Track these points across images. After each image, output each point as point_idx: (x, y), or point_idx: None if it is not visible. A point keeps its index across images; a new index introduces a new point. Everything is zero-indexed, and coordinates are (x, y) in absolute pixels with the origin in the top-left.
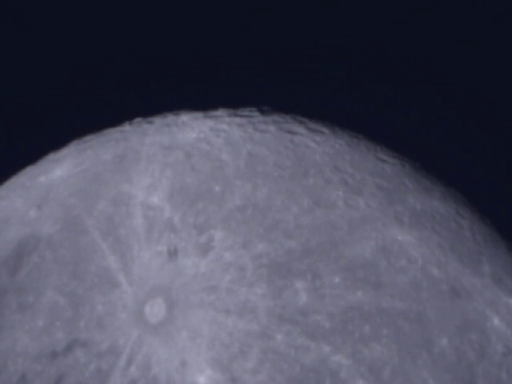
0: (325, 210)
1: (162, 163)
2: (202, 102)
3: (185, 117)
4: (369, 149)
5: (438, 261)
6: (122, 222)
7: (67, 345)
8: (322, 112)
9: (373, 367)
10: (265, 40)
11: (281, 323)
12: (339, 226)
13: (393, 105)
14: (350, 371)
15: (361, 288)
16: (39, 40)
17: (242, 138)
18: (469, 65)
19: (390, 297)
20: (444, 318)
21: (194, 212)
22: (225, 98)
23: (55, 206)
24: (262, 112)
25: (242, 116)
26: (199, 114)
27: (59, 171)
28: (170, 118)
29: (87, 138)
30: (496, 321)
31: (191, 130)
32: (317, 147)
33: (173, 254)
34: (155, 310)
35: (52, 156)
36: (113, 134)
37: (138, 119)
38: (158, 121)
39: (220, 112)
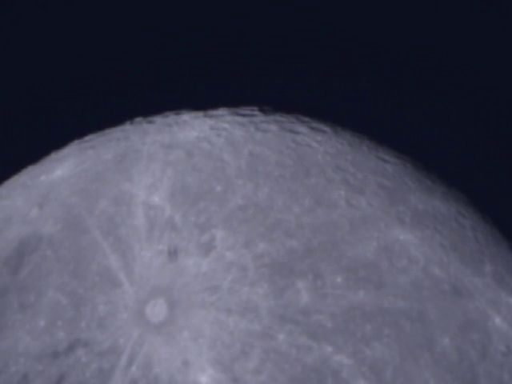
0: (326, 209)
1: (163, 162)
2: (202, 101)
3: (186, 116)
4: (370, 148)
5: (440, 260)
6: (123, 222)
7: (68, 344)
8: (323, 111)
9: (374, 367)
10: (266, 39)
11: (282, 323)
12: (341, 225)
13: (394, 104)
14: (351, 371)
15: (362, 288)
16: (40, 39)
17: (243, 137)
18: (471, 65)
19: (392, 296)
20: (446, 317)
21: (196, 211)
22: (226, 98)
23: (56, 206)
24: (264, 111)
25: (243, 115)
26: (200, 114)
27: (60, 171)
28: (171, 117)
29: (88, 137)
30: (498, 320)
31: (192, 129)
32: (318, 147)
33: (173, 254)
34: (156, 310)
35: (53, 155)
36: (114, 133)
37: (138, 118)
38: (158, 120)
39: (221, 111)
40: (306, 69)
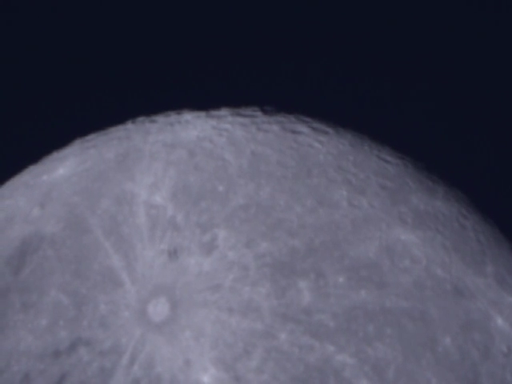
0: (328, 209)
1: (165, 162)
2: (204, 101)
3: (188, 116)
4: (372, 149)
5: (442, 261)
6: (125, 221)
7: (70, 344)
8: (325, 112)
9: (377, 366)
10: (268, 39)
11: (284, 322)
12: (343, 225)
13: (396, 105)
14: (353, 370)
15: (364, 287)
16: (42, 39)
17: (244, 137)
18: (473, 65)
19: (394, 296)
20: (447, 317)
21: (198, 211)
22: (228, 98)
23: (58, 205)
24: (265, 112)
25: (244, 116)
26: (202, 114)
27: (62, 170)
28: (173, 116)
29: (90, 136)
30: (500, 321)
31: (194, 128)
32: (320, 147)
33: (172, 254)
34: (158, 309)
35: (55, 155)
36: (116, 132)
37: (140, 118)
38: (160, 119)
39: (223, 111)
40: (308, 69)
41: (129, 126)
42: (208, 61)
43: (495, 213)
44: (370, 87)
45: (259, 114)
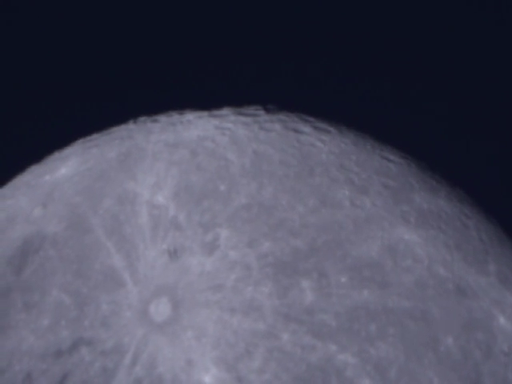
0: (331, 209)
1: (168, 161)
2: (207, 100)
3: (190, 115)
4: (375, 148)
5: (444, 260)
6: (127, 221)
7: (72, 343)
8: (327, 111)
9: (379, 366)
10: (270, 39)
11: (287, 322)
12: (345, 225)
13: (398, 104)
14: (356, 370)
15: (367, 287)
16: (44, 38)
17: (247, 136)
18: (476, 65)
19: (396, 296)
20: (450, 317)
21: (200, 210)
22: (230, 97)
23: (60, 205)
24: (268, 111)
25: (247, 115)
26: (204, 113)
27: (64, 170)
28: (175, 116)
29: (92, 136)
30: (502, 320)
31: (196, 128)
32: (323, 146)
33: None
34: (160, 309)
35: (57, 154)
36: (118, 132)
37: (143, 118)
38: (163, 119)
39: (225, 111)
40: (310, 68)
41: (131, 125)
42: (210, 60)
43: (498, 212)
44: (372, 86)
45: (261, 113)
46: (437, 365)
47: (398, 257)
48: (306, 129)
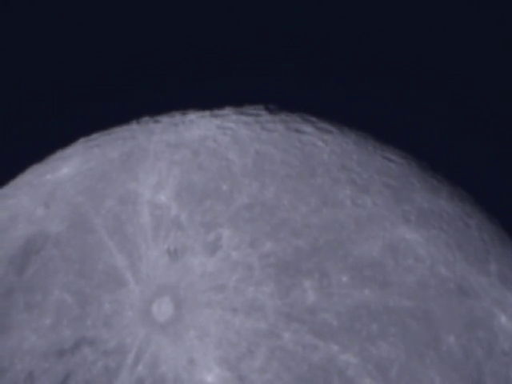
0: (332, 208)
1: (169, 161)
2: (209, 100)
3: (192, 115)
4: (376, 148)
5: (446, 260)
6: (129, 221)
7: (74, 343)
8: (329, 111)
9: (380, 366)
10: (272, 39)
11: (288, 322)
12: (347, 224)
13: (400, 104)
14: (357, 370)
15: (368, 287)
16: (46, 38)
17: (249, 136)
18: (477, 65)
19: (398, 295)
20: (451, 316)
21: (202, 210)
22: (232, 97)
23: (62, 204)
24: (270, 111)
25: (249, 115)
26: (206, 113)
27: (66, 169)
28: (177, 116)
29: (94, 136)
30: (503, 319)
31: (198, 128)
32: (324, 146)
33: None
34: (162, 309)
35: (59, 154)
36: (120, 132)
37: (145, 118)
38: (165, 119)
39: (227, 111)
40: (312, 68)
41: (133, 125)
42: (212, 60)
43: (499, 212)
44: (373, 86)
45: (263, 112)
46: (438, 364)
47: (399, 256)
48: (308, 129)
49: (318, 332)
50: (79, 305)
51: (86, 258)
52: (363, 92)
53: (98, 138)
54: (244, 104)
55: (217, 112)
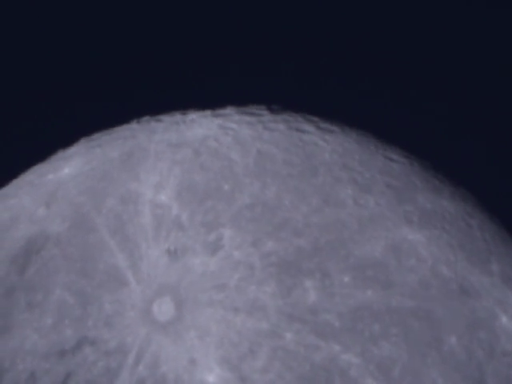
0: (334, 208)
1: (171, 161)
2: (210, 100)
3: (193, 115)
4: (378, 148)
5: (448, 260)
6: (130, 220)
7: (76, 343)
8: (331, 111)
9: (382, 366)
10: (274, 38)
11: (290, 322)
12: (349, 224)
13: (402, 104)
14: (359, 370)
15: (370, 287)
16: (48, 38)
17: (250, 136)
18: (478, 64)
19: (400, 296)
20: (453, 316)
21: (203, 210)
22: (233, 97)
23: (64, 204)
24: (271, 110)
25: (250, 114)
26: (208, 113)
27: (68, 169)
28: (179, 116)
29: (95, 135)
30: (505, 320)
31: (200, 127)
32: (326, 146)
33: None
34: (163, 309)
35: (60, 154)
36: (121, 131)
37: (146, 117)
38: (166, 119)
39: (229, 110)
40: (314, 68)
41: (134, 125)
42: (214, 60)
43: (501, 212)
44: (375, 86)
45: (265, 112)
46: (440, 364)
47: (401, 256)
48: (310, 128)
49: (319, 332)
50: (80, 305)
51: (87, 258)
52: (365, 92)
53: (99, 138)
54: (246, 104)
55: (218, 112)
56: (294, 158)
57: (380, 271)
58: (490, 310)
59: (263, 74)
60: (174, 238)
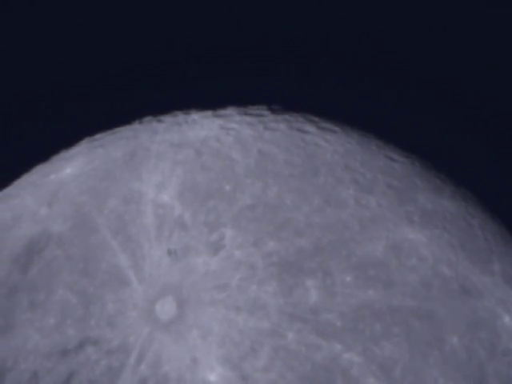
0: (336, 208)
1: (172, 161)
2: (212, 100)
3: (195, 115)
4: (379, 148)
5: (449, 259)
6: (132, 220)
7: (78, 342)
8: (332, 111)
9: (384, 365)
10: (275, 39)
11: (292, 321)
12: (350, 224)
13: (403, 104)
14: (361, 369)
15: (372, 286)
16: (50, 38)
17: (252, 136)
18: (480, 65)
19: (401, 295)
20: (454, 316)
21: (205, 210)
22: (235, 97)
23: (66, 204)
24: (273, 111)
25: (252, 115)
26: (209, 113)
27: (70, 169)
28: (181, 116)
29: (98, 136)
30: (506, 319)
31: (201, 128)
32: (328, 146)
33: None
34: (166, 308)
35: (63, 154)
36: (123, 132)
37: (148, 118)
38: (168, 119)
39: (230, 111)
40: (315, 68)
41: (136, 125)
42: (215, 60)
43: (502, 212)
44: (376, 86)
45: (267, 112)
46: (442, 364)
47: (402, 256)
48: (311, 129)
49: (321, 331)
50: (83, 304)
51: (90, 258)
52: (365, 91)
53: (102, 138)
54: (247, 104)
55: (220, 112)
56: (295, 158)
57: (381, 271)
58: (491, 310)
59: (264, 74)
60: (176, 238)
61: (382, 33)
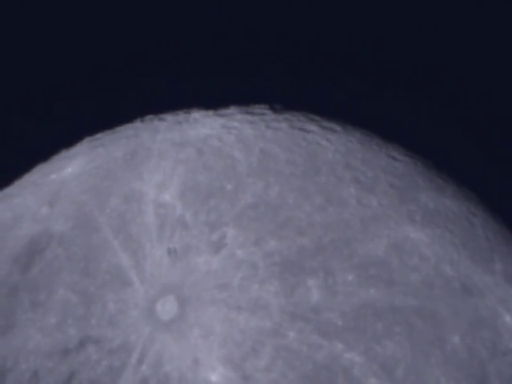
0: (337, 207)
1: (174, 160)
2: (213, 99)
3: (196, 114)
4: (381, 147)
5: (451, 259)
6: (133, 220)
7: (79, 342)
8: (334, 110)
9: (385, 365)
10: (277, 38)
11: (293, 321)
12: (352, 223)
13: (405, 103)
14: (362, 369)
15: (373, 286)
16: (51, 37)
17: (253, 135)
18: (481, 64)
19: (403, 294)
20: (456, 315)
21: (206, 209)
22: (236, 96)
23: (67, 204)
24: (274, 110)
25: (253, 114)
26: (211, 112)
27: (71, 168)
28: (182, 115)
29: (99, 135)
30: (508, 318)
31: (203, 127)
32: (329, 145)
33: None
34: (167, 308)
35: (64, 153)
36: (124, 131)
37: (149, 116)
38: (169, 118)
39: (232, 110)
40: (317, 67)
41: (137, 124)
42: (217, 59)
43: (504, 211)
44: (378, 85)
45: (268, 112)
46: (443, 364)
47: (404, 255)
48: (313, 128)
49: (322, 331)
50: (84, 304)
51: (91, 257)
52: (367, 91)
53: (103, 137)
54: (249, 103)
55: (221, 111)
56: (296, 158)
57: (383, 270)
58: (492, 309)
59: (265, 73)
60: (177, 237)
61: (384, 32)
